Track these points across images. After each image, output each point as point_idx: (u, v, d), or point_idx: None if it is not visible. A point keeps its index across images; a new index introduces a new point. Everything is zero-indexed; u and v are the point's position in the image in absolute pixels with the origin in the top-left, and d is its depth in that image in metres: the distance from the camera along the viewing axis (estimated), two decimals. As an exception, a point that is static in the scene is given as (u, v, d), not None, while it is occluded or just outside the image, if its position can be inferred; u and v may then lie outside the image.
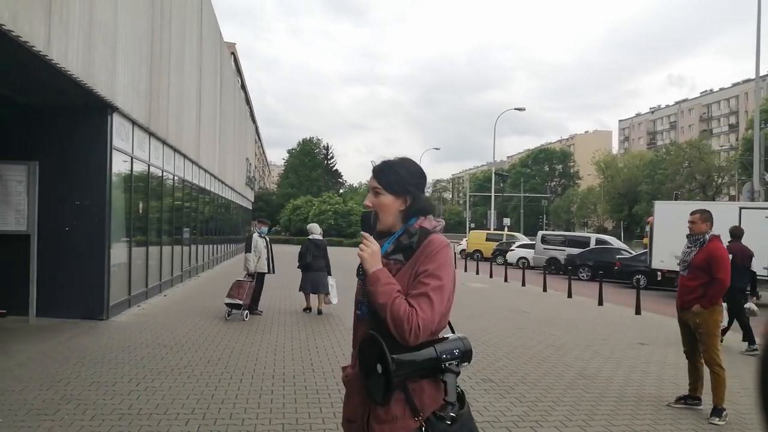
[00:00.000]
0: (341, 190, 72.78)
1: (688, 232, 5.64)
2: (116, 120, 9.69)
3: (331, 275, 10.89)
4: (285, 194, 64.08)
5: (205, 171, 19.40)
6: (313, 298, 10.98)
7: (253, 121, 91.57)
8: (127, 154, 10.55)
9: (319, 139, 72.11)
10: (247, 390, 5.59)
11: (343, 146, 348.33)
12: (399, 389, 1.92)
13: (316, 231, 11.47)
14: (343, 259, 30.30)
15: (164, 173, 13.58)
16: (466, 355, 1.99)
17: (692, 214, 5.63)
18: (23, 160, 8.72)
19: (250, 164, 37.75)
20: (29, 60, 6.60)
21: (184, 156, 15.58)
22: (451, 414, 1.90)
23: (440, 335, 2.02)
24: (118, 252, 10.15)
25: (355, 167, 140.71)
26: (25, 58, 6.52)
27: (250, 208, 41.95)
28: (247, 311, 9.93)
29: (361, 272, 2.08)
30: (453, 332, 2.08)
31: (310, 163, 67.67)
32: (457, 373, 1.95)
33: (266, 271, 10.70)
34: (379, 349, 1.89)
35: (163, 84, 12.53)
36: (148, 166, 12.11)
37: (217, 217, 23.36)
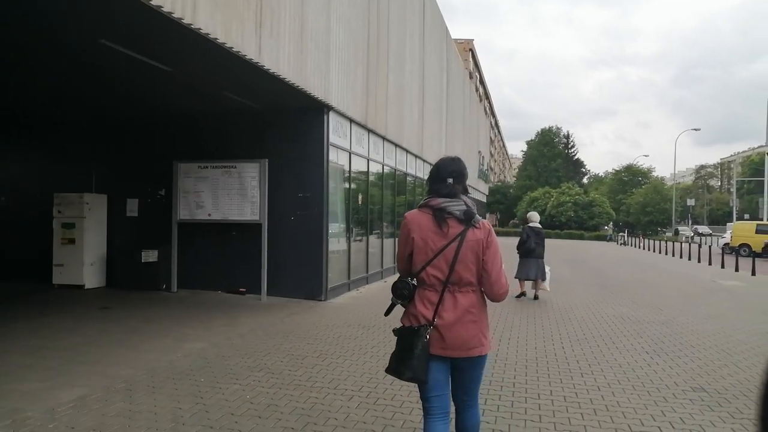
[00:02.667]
0: (584, 180, 68.98)
1: None
2: (333, 118, 10.54)
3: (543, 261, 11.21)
4: (522, 186, 63.11)
5: (430, 165, 20.02)
6: (528, 284, 11.25)
7: (493, 114, 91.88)
8: (345, 149, 11.40)
9: (559, 128, 69.58)
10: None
11: (587, 134, 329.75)
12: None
13: (535, 219, 11.74)
14: (580, 252, 28.74)
15: (384, 167, 14.38)
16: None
17: None
18: (256, 158, 10.03)
19: (483, 157, 37.95)
20: (245, 68, 7.53)
21: (407, 151, 16.29)
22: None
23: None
24: (336, 240, 11.07)
25: (601, 155, 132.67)
26: (242, 66, 7.45)
27: (484, 200, 42.22)
28: None
29: None
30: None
31: (549, 153, 65.53)
32: (393, 301, 3.07)
33: None
34: None
35: (381, 83, 13.25)
36: (368, 161, 12.94)
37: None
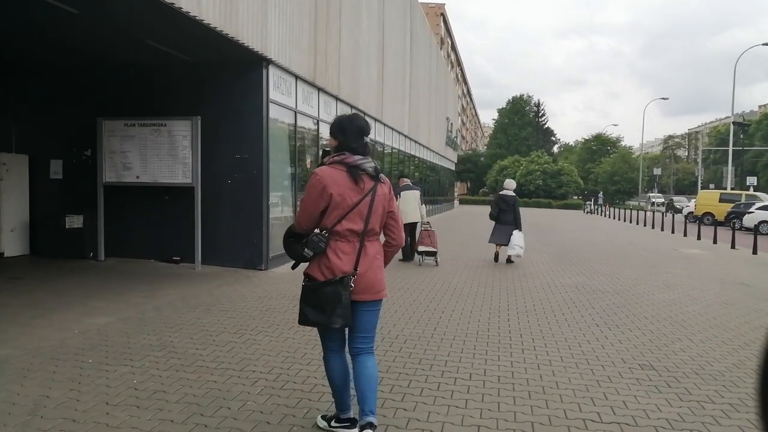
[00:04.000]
0: (554, 149, 68.96)
1: None
2: (274, 73, 9.71)
3: (519, 230, 11.21)
4: (493, 155, 62.75)
5: (391, 128, 19.29)
6: (502, 249, 11.37)
7: (465, 82, 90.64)
8: (290, 108, 10.61)
9: (529, 97, 69.13)
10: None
11: (558, 104, 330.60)
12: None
13: (509, 187, 11.87)
14: (546, 220, 28.45)
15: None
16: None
17: None
18: (189, 115, 9.18)
19: (451, 124, 37.22)
20: (160, 10, 6.66)
21: (364, 113, 15.50)
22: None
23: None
24: (281, 206, 10.37)
25: (572, 125, 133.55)
26: (155, 8, 6.58)
27: (453, 168, 41.63)
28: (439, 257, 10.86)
29: None
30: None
31: (520, 121, 65.16)
32: (306, 255, 3.16)
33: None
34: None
35: (332, 39, 12.40)
36: (317, 122, 12.17)
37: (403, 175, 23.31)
